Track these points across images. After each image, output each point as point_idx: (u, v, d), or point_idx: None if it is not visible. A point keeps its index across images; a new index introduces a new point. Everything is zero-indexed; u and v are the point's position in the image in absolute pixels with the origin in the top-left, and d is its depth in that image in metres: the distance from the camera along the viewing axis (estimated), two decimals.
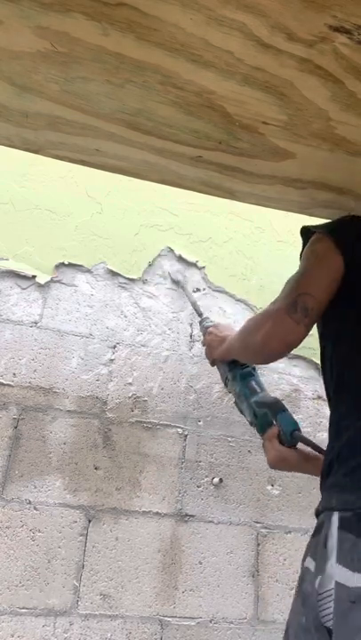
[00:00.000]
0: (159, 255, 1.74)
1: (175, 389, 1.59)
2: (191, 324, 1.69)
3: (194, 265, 1.76)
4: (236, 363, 1.27)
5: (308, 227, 1.10)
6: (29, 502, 1.34)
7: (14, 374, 1.45)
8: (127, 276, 1.67)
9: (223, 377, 1.33)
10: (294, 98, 0.98)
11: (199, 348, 1.66)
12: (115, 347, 1.58)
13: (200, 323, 1.49)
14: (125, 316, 1.63)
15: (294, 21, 0.83)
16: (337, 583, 0.72)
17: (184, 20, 0.85)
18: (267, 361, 1.16)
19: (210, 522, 1.47)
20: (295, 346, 1.00)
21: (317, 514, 0.86)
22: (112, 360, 1.56)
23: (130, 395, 1.53)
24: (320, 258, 1.01)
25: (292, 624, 0.81)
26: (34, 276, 1.57)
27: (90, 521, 1.37)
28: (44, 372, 1.48)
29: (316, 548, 0.80)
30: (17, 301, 1.53)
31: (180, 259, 1.75)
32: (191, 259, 1.76)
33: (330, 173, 1.19)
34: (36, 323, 1.53)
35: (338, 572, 0.73)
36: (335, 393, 0.98)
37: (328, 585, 0.73)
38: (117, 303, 1.63)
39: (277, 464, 1.11)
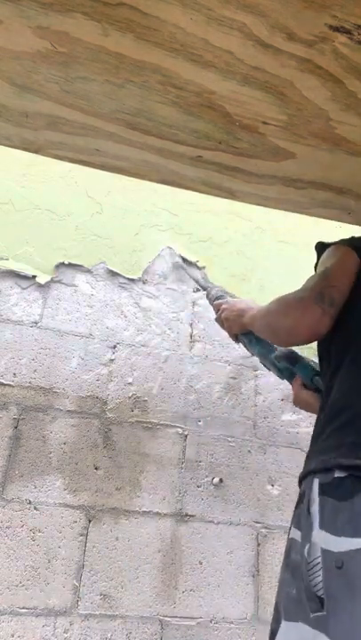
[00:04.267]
0: (159, 255, 1.74)
1: (175, 389, 1.59)
2: (191, 324, 1.69)
3: (194, 265, 1.76)
4: None
5: (323, 242, 1.14)
6: (29, 502, 1.34)
7: (14, 374, 1.45)
8: (127, 276, 1.67)
9: (244, 344, 1.36)
10: (294, 98, 0.98)
11: (199, 348, 1.66)
12: (115, 347, 1.58)
13: (207, 294, 1.50)
14: (125, 316, 1.63)
15: (294, 21, 0.83)
16: (323, 550, 0.71)
17: (184, 20, 0.85)
18: (290, 345, 1.20)
19: (210, 522, 1.47)
20: (322, 335, 1.03)
21: (300, 483, 0.86)
22: (112, 360, 1.56)
23: (130, 395, 1.53)
24: (341, 258, 1.06)
25: (282, 597, 0.79)
26: (34, 276, 1.57)
27: (90, 521, 1.37)
28: (44, 372, 1.48)
29: (300, 517, 0.80)
30: (17, 301, 1.53)
31: (181, 258, 1.75)
32: (191, 259, 1.76)
33: (330, 173, 1.19)
34: (36, 323, 1.53)
35: (323, 539, 0.72)
36: (331, 377, 1.00)
37: (315, 553, 0.72)
38: (117, 303, 1.63)
39: (299, 405, 1.18)
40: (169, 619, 1.35)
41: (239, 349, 1.65)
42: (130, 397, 1.53)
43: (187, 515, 1.46)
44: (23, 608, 1.25)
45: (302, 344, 1.08)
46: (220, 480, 1.51)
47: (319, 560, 0.71)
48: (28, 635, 1.23)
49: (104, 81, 0.99)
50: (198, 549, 1.43)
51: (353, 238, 1.12)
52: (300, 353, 1.23)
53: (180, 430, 1.54)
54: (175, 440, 1.52)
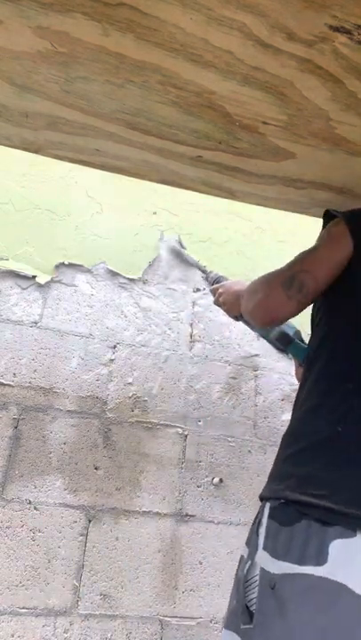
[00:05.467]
0: (159, 255, 1.74)
1: (175, 389, 1.59)
2: (191, 324, 1.69)
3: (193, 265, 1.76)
4: None
5: (330, 210, 1.10)
6: (29, 502, 1.34)
7: (14, 374, 1.45)
8: (127, 276, 1.67)
9: (246, 324, 1.41)
10: (294, 98, 0.98)
11: (199, 348, 1.66)
12: (115, 347, 1.58)
13: (207, 277, 1.59)
14: (125, 316, 1.63)
15: (294, 21, 0.83)
16: (261, 569, 0.74)
17: (184, 20, 0.85)
18: (260, 326, 1.20)
19: (210, 522, 1.47)
20: (282, 320, 1.02)
21: (260, 499, 0.88)
22: (112, 360, 1.56)
23: (130, 395, 1.53)
24: (332, 239, 1.00)
25: (228, 607, 0.84)
26: (34, 276, 1.57)
27: (90, 521, 1.37)
28: (44, 372, 1.48)
29: (251, 535, 0.83)
30: (17, 301, 1.53)
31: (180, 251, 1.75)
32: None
33: (330, 173, 1.19)
34: (36, 323, 1.53)
35: (263, 559, 0.75)
36: (304, 381, 0.98)
37: (255, 571, 0.76)
38: (117, 303, 1.63)
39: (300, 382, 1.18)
40: (169, 619, 1.35)
41: (239, 349, 1.66)
42: (130, 397, 1.53)
43: (187, 515, 1.46)
44: (23, 608, 1.25)
45: (264, 327, 1.10)
46: (220, 480, 1.51)
47: (257, 578, 0.74)
48: (28, 635, 1.23)
49: (104, 81, 0.99)
50: (198, 549, 1.43)
51: (354, 215, 1.05)
52: (293, 334, 1.25)
53: (180, 430, 1.54)
54: (175, 440, 1.52)
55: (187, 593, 1.39)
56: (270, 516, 0.78)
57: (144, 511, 1.42)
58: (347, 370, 0.87)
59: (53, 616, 1.27)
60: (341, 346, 0.92)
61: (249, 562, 0.78)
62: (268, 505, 0.80)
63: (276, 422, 1.64)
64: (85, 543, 1.35)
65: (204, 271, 1.64)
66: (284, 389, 1.69)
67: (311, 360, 0.97)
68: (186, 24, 0.85)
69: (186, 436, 1.54)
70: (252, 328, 1.40)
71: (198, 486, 1.50)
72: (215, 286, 1.43)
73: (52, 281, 1.59)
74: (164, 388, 1.58)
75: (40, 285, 1.57)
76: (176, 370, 1.61)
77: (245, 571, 0.78)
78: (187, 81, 0.97)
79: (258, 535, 0.79)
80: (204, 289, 1.74)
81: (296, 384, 1.71)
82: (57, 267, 1.61)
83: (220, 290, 1.38)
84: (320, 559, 0.69)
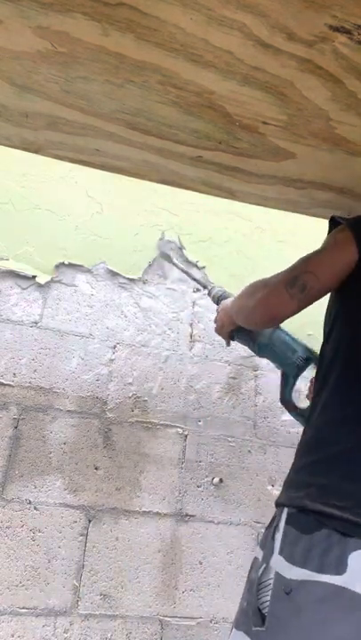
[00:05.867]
0: (159, 255, 1.74)
1: (175, 389, 1.59)
2: (191, 324, 1.69)
3: (194, 265, 1.76)
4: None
5: (335, 216, 1.10)
6: (29, 502, 1.34)
7: (14, 374, 1.45)
8: (127, 276, 1.67)
9: (239, 342, 1.34)
10: (294, 98, 0.98)
11: (199, 348, 1.66)
12: (115, 347, 1.58)
13: (209, 293, 1.45)
14: (125, 316, 1.63)
15: (294, 21, 0.83)
16: (276, 573, 0.75)
17: (184, 20, 0.85)
18: (254, 327, 1.18)
19: (210, 522, 1.47)
20: (281, 319, 1.02)
21: (276, 504, 0.88)
22: (112, 360, 1.56)
23: (130, 395, 1.53)
24: (337, 244, 1.01)
25: (238, 607, 0.85)
26: (34, 276, 1.57)
27: (90, 521, 1.37)
28: (44, 372, 1.48)
29: (266, 539, 0.83)
30: (17, 301, 1.53)
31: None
32: (191, 259, 1.76)
33: (330, 173, 1.19)
34: (36, 323, 1.53)
35: (279, 563, 0.76)
36: (318, 391, 0.98)
37: (269, 575, 0.77)
38: (117, 303, 1.63)
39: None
40: (169, 619, 1.35)
41: (239, 349, 1.65)
42: (130, 397, 1.53)
43: (187, 515, 1.46)
44: (23, 608, 1.25)
45: (263, 327, 1.08)
46: (220, 480, 1.51)
47: (271, 582, 0.75)
48: (28, 635, 1.23)
49: (104, 81, 0.99)
50: (198, 549, 1.43)
51: (359, 222, 1.05)
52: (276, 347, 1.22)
53: (180, 430, 1.54)
54: (175, 440, 1.52)
55: (187, 593, 1.39)
56: (288, 522, 0.79)
57: (144, 511, 1.42)
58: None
59: (53, 616, 1.27)
60: (355, 356, 0.92)
61: (264, 565, 0.79)
62: (285, 511, 0.81)
63: (276, 422, 1.64)
64: (85, 543, 1.35)
65: (205, 286, 1.51)
66: None
67: (326, 370, 0.97)
68: (186, 24, 0.85)
69: (186, 436, 1.54)
70: (251, 344, 1.31)
71: (198, 486, 1.50)
72: (220, 313, 1.36)
73: (52, 281, 1.59)
74: (164, 387, 1.58)
75: (40, 285, 1.57)
76: (176, 370, 1.61)
77: (260, 573, 0.79)
78: (187, 81, 0.97)
79: (274, 540, 0.80)
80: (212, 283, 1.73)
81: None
82: (57, 267, 1.61)
83: (220, 313, 1.34)
84: (340, 569, 0.70)
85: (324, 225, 1.70)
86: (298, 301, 0.97)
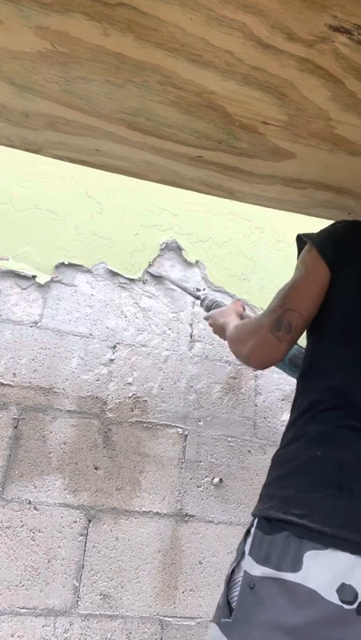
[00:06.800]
0: (159, 255, 1.74)
1: (175, 389, 1.59)
2: (191, 324, 1.69)
3: (194, 265, 1.76)
4: None
5: (301, 235, 1.13)
6: (29, 502, 1.34)
7: (14, 374, 1.45)
8: (127, 276, 1.67)
9: None
10: (294, 98, 0.98)
11: (199, 348, 1.66)
12: (115, 347, 1.58)
13: (201, 303, 1.56)
14: (125, 316, 1.63)
15: (294, 21, 0.83)
16: (245, 572, 0.84)
17: (184, 20, 0.84)
18: (257, 370, 1.23)
19: (210, 522, 1.47)
20: (276, 363, 1.09)
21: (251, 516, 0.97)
22: (112, 360, 1.56)
23: (130, 395, 1.53)
24: (308, 270, 1.04)
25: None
26: (34, 276, 1.57)
27: (90, 521, 1.37)
28: (44, 372, 1.48)
29: (240, 543, 0.92)
30: (17, 301, 1.53)
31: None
32: (191, 259, 1.76)
33: (330, 173, 1.19)
34: (36, 323, 1.53)
35: (247, 563, 0.85)
36: (293, 406, 1.05)
37: (239, 573, 0.86)
38: (117, 303, 1.63)
39: None
40: (169, 619, 1.35)
41: None
42: (130, 397, 1.53)
43: (187, 515, 1.46)
44: (23, 608, 1.25)
45: (262, 369, 1.16)
46: (220, 480, 1.51)
47: (240, 579, 0.85)
48: (28, 635, 1.23)
49: (104, 81, 0.99)
50: (198, 549, 1.43)
51: (323, 238, 1.08)
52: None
53: (180, 430, 1.54)
54: (175, 440, 1.52)
55: (187, 593, 1.39)
56: (257, 527, 0.88)
57: (144, 511, 1.42)
58: (322, 399, 0.94)
59: (53, 616, 1.27)
60: (323, 371, 0.98)
61: (235, 564, 0.89)
62: (255, 520, 0.90)
63: (276, 422, 1.65)
64: (85, 543, 1.35)
65: (197, 297, 1.59)
66: (284, 389, 1.69)
67: (299, 386, 1.03)
68: (186, 24, 0.85)
69: (186, 436, 1.54)
70: None
71: (198, 486, 1.50)
72: (206, 315, 1.50)
73: (52, 281, 1.59)
74: (164, 388, 1.58)
75: (40, 285, 1.57)
76: (176, 370, 1.61)
77: (231, 572, 0.89)
78: (187, 81, 0.97)
79: (245, 543, 0.89)
80: (204, 289, 1.74)
81: (295, 383, 1.71)
82: (57, 267, 1.61)
83: (209, 321, 1.46)
84: (296, 567, 0.78)
85: (324, 225, 1.70)
86: (287, 343, 1.01)
